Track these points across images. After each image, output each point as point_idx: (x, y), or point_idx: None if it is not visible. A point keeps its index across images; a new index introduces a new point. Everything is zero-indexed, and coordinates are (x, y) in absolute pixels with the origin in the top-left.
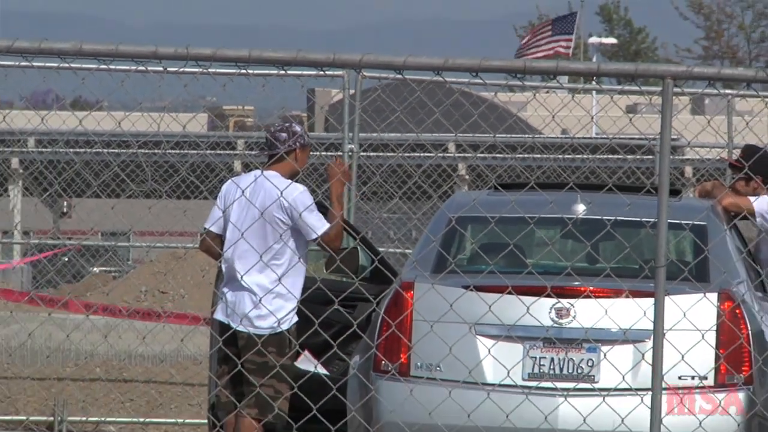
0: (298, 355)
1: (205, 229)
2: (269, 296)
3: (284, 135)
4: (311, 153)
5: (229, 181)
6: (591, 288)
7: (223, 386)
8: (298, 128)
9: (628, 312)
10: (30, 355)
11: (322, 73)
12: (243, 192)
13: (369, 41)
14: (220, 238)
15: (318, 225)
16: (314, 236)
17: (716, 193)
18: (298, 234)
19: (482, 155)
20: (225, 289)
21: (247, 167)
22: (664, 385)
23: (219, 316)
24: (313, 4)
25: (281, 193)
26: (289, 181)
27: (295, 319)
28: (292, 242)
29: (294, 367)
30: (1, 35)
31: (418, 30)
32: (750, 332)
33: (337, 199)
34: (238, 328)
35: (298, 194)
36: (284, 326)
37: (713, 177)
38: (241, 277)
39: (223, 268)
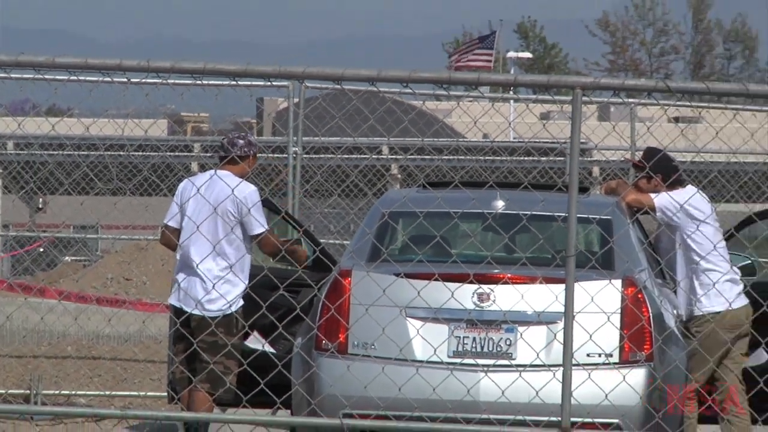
0: (246, 335)
1: (164, 224)
2: (219, 282)
3: (242, 142)
4: (260, 155)
5: (186, 180)
6: (509, 275)
7: (179, 364)
8: (253, 139)
9: (542, 296)
10: (8, 336)
11: (269, 83)
12: (198, 189)
13: (313, 56)
14: (178, 232)
15: (257, 225)
16: (254, 233)
17: (620, 190)
18: (244, 227)
19: (412, 157)
20: (179, 276)
21: (203, 168)
22: (574, 362)
23: (173, 300)
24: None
25: (232, 190)
26: (241, 179)
27: (241, 302)
28: (239, 234)
29: (242, 346)
30: None
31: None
32: (651, 314)
33: (283, 246)
34: (192, 311)
35: (249, 192)
36: (232, 309)
37: (618, 176)
38: (196, 265)
39: (178, 258)
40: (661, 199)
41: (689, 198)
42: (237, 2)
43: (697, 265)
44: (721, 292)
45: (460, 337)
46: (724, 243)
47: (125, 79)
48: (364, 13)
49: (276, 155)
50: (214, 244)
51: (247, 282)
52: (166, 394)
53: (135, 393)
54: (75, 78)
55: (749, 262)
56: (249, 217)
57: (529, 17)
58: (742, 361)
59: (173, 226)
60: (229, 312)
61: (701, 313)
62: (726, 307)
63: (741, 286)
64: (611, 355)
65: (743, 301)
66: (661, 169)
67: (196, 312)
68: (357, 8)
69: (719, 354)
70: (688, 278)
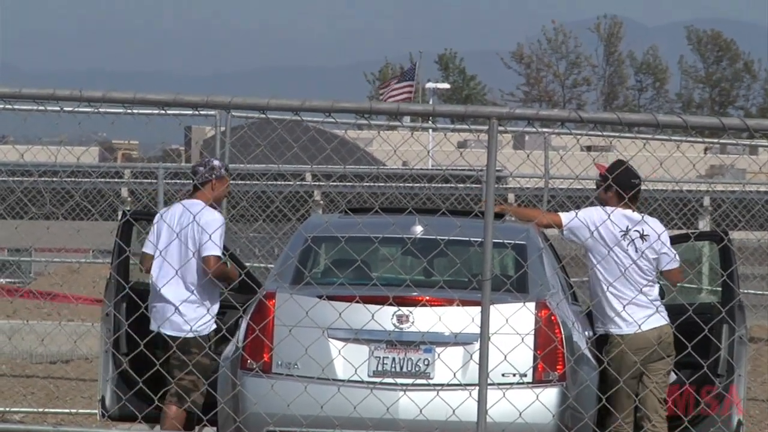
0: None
1: (143, 253)
2: (191, 306)
3: (202, 169)
4: (188, 181)
5: (162, 210)
6: (427, 297)
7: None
8: (216, 163)
9: (459, 318)
10: None
11: (197, 113)
12: (162, 218)
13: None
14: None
15: (209, 247)
16: (204, 254)
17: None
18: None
19: (334, 184)
20: (155, 303)
21: (133, 194)
22: (489, 381)
23: (153, 326)
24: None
25: (194, 216)
26: (204, 205)
27: (214, 325)
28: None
29: (212, 365)
30: None
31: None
32: (563, 336)
33: (231, 270)
34: (168, 333)
35: (209, 219)
36: (205, 331)
37: (532, 203)
38: (167, 292)
39: (153, 286)
40: (567, 217)
41: (601, 216)
42: (157, 33)
43: (606, 287)
44: (626, 316)
45: (379, 357)
46: (638, 267)
47: (58, 108)
48: (287, 44)
49: None
50: (180, 270)
51: (217, 305)
52: (96, 411)
53: (67, 410)
54: (9, 107)
55: (658, 286)
56: (203, 239)
57: (450, 49)
58: (662, 379)
59: (149, 253)
60: (204, 333)
61: (608, 334)
62: (633, 330)
63: (651, 310)
64: (525, 375)
65: (655, 323)
66: (620, 184)
67: (172, 333)
68: (280, 39)
69: (629, 375)
70: (599, 298)
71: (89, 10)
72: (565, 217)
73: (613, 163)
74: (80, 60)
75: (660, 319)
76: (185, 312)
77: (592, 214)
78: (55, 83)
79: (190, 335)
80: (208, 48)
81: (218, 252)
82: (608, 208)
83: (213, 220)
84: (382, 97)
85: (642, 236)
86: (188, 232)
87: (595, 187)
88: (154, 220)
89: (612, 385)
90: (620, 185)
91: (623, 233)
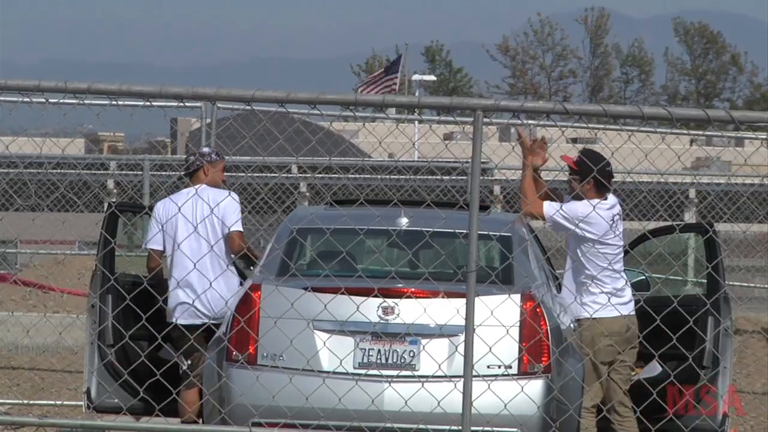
0: (160, 346)
1: (146, 247)
2: (214, 292)
3: (192, 158)
4: (173, 173)
5: (164, 200)
6: (412, 289)
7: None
8: (205, 150)
9: (444, 310)
10: None
11: (182, 104)
12: (179, 208)
13: (223, 78)
14: (161, 253)
15: (234, 225)
16: (232, 230)
17: (535, 149)
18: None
19: (320, 176)
20: (179, 293)
21: (119, 185)
22: (474, 373)
23: (171, 318)
24: (170, 44)
25: (207, 201)
26: (216, 189)
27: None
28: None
29: None
30: None
31: (267, 67)
32: (548, 328)
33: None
34: (189, 322)
35: (222, 198)
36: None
37: (518, 196)
38: (188, 280)
39: (173, 276)
40: (550, 210)
41: (586, 212)
42: (144, 25)
43: (584, 274)
44: (602, 299)
45: (365, 349)
46: (618, 257)
47: (43, 100)
48: (274, 36)
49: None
50: (200, 257)
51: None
52: (82, 403)
53: (52, 402)
54: None
55: (643, 277)
56: (227, 217)
57: (437, 41)
58: (627, 372)
59: (156, 248)
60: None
61: (580, 317)
62: (602, 314)
63: (623, 300)
64: (510, 367)
65: (623, 311)
66: (600, 174)
67: (195, 322)
68: (266, 31)
69: (604, 360)
70: (572, 283)
71: (73, 3)
72: (557, 214)
73: (582, 153)
74: (64, 52)
75: (631, 308)
76: (210, 298)
77: (577, 206)
78: (42, 75)
79: (213, 322)
80: (192, 39)
81: (242, 228)
82: (593, 202)
83: (228, 199)
84: (362, 91)
85: (619, 217)
86: (203, 216)
87: (567, 180)
88: (156, 211)
89: (587, 374)
90: (602, 176)
91: (611, 224)
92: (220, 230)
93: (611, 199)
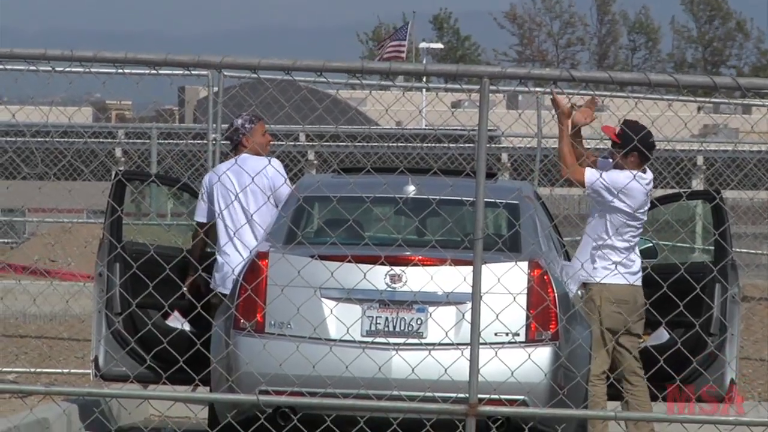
0: (167, 314)
1: (195, 221)
2: None
3: (229, 132)
4: (180, 141)
5: (209, 173)
6: (419, 257)
7: None
8: (238, 121)
9: (451, 277)
10: None
11: (188, 72)
12: (219, 178)
13: (230, 47)
14: (207, 225)
15: (280, 183)
16: (283, 195)
17: (584, 108)
18: (276, 197)
19: (327, 144)
20: (226, 261)
21: (126, 153)
22: (481, 341)
23: (214, 285)
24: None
25: (248, 170)
26: (265, 158)
27: None
28: (273, 210)
29: None
30: None
31: (273, 36)
32: (556, 295)
33: None
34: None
35: (269, 167)
36: None
37: (525, 163)
38: (239, 250)
39: (226, 243)
40: (592, 177)
41: (626, 184)
42: None
43: (603, 242)
44: (608, 267)
45: (372, 316)
46: (637, 232)
47: (50, 68)
48: (278, 5)
49: (196, 141)
50: (252, 226)
51: None
52: (90, 371)
53: (60, 370)
54: (1, 67)
55: (650, 245)
56: (277, 184)
57: (445, 9)
58: (636, 341)
59: (203, 221)
60: None
61: (588, 282)
62: (611, 280)
63: (633, 269)
64: (518, 335)
65: (631, 280)
66: (644, 146)
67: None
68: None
69: (611, 326)
70: (587, 248)
71: None
72: (598, 182)
73: (624, 125)
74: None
75: (639, 278)
76: None
77: (618, 176)
78: (47, 44)
79: None
80: (198, 7)
81: (290, 189)
82: (632, 173)
83: (269, 167)
84: (377, 56)
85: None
86: (254, 186)
87: (609, 153)
88: (205, 185)
89: (595, 342)
90: (644, 148)
91: (645, 198)
92: (262, 198)
93: (649, 173)
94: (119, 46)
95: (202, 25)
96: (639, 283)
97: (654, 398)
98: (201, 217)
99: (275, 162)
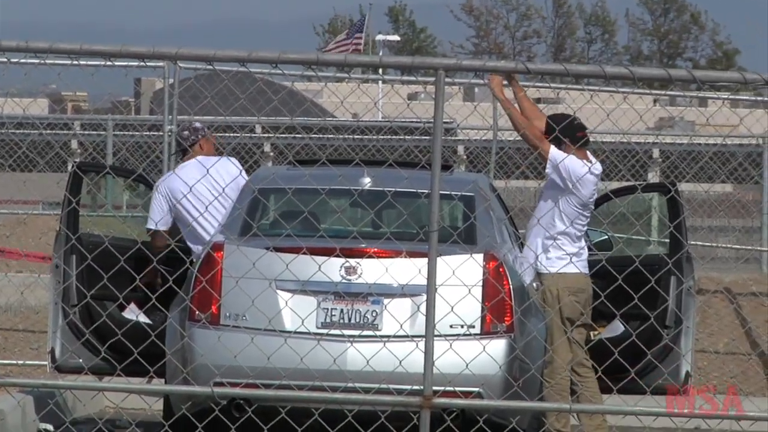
0: (123, 306)
1: (154, 228)
2: None
3: (186, 132)
4: (136, 133)
5: (167, 179)
6: (375, 249)
7: None
8: (197, 125)
9: (407, 270)
10: None
11: (144, 64)
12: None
13: (185, 39)
14: (168, 232)
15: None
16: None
17: (514, 89)
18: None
19: (283, 135)
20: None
21: (82, 145)
22: (436, 333)
23: None
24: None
25: (213, 168)
26: (224, 157)
27: None
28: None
29: None
30: None
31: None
32: (511, 287)
33: None
34: None
35: (233, 166)
36: None
37: (481, 155)
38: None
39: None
40: (571, 161)
41: (583, 175)
42: None
43: (555, 230)
44: (563, 257)
45: (327, 308)
46: (586, 221)
47: (5, 60)
48: None
49: (152, 133)
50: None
51: None
52: (46, 362)
53: (15, 362)
54: None
55: (605, 237)
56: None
57: (400, 1)
58: (584, 332)
59: (161, 229)
60: None
61: (543, 273)
62: (567, 270)
63: (583, 259)
64: (473, 327)
65: (583, 270)
66: (567, 132)
67: None
68: None
69: (569, 316)
70: (539, 238)
71: None
72: (562, 164)
73: (553, 119)
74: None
75: (587, 268)
76: None
77: (577, 163)
78: (2, 35)
79: None
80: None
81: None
82: (586, 164)
83: (233, 166)
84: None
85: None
86: (220, 187)
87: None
88: (164, 191)
89: (553, 328)
90: (572, 132)
91: (595, 188)
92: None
93: (598, 164)
94: (76, 37)
95: (165, 19)
96: (588, 271)
97: (608, 390)
98: (163, 225)
99: (235, 160)
